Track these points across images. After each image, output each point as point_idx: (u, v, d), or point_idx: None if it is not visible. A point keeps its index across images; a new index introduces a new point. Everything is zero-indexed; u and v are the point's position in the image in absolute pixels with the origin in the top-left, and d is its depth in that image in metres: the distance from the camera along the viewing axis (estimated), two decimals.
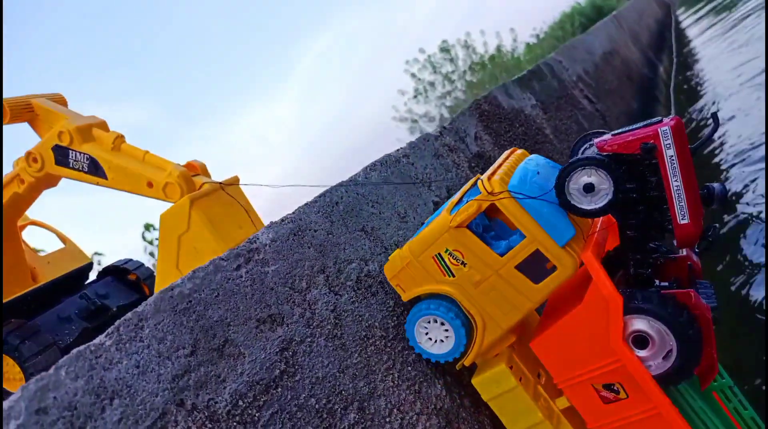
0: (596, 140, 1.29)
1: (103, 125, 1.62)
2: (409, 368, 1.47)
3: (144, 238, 9.04)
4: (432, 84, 14.24)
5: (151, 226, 9.18)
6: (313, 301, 1.40)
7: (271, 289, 1.33)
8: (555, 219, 1.27)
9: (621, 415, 1.32)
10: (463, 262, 1.34)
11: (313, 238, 1.50)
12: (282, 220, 1.47)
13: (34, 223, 2.10)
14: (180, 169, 1.49)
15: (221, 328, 1.20)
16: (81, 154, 1.55)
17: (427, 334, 1.43)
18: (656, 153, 1.20)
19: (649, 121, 1.26)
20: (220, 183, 1.55)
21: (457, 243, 1.34)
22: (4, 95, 1.57)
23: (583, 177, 1.24)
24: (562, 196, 1.27)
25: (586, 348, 1.30)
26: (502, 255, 1.32)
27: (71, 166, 1.56)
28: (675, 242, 1.27)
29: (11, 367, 1.57)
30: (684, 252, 1.42)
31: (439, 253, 1.36)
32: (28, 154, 1.60)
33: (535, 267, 1.31)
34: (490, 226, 1.49)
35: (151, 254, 8.99)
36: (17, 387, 1.44)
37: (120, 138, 1.55)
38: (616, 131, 1.29)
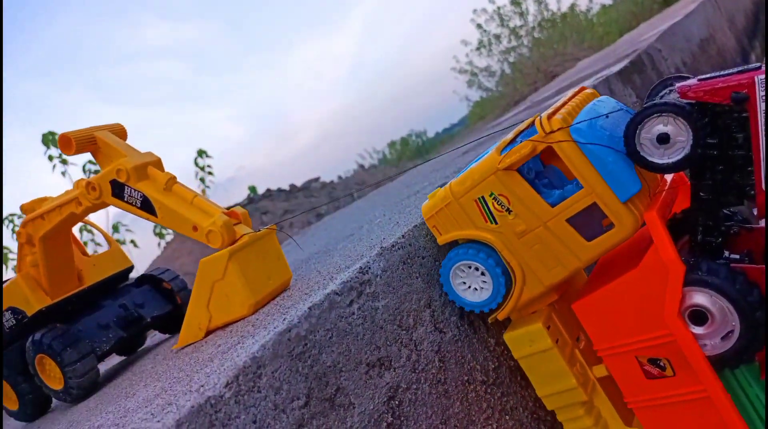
0: (679, 85, 1.12)
1: (158, 164, 1.73)
2: (507, 417, 1.42)
3: (196, 163, 9.09)
4: (497, 37, 13.76)
5: (204, 152, 9.22)
6: (419, 341, 1.34)
7: (381, 327, 1.28)
8: (620, 170, 1.12)
9: (664, 393, 1.21)
10: (508, 209, 1.21)
11: (421, 267, 1.43)
12: (393, 245, 1.38)
13: (86, 222, 2.21)
14: (224, 219, 1.59)
15: (333, 375, 1.15)
16: (136, 191, 1.67)
17: (464, 281, 1.32)
18: (748, 104, 1.03)
19: (744, 66, 1.09)
20: (263, 229, 1.69)
21: (504, 187, 1.21)
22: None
23: (659, 125, 1.08)
24: (631, 145, 1.12)
25: (636, 317, 1.19)
26: (553, 205, 1.18)
27: (126, 200, 1.68)
28: (754, 211, 1.12)
29: (53, 367, 1.73)
30: (763, 223, 1.24)
31: (483, 197, 1.23)
32: (88, 183, 1.70)
33: (590, 222, 1.18)
34: (543, 172, 1.35)
35: (202, 180, 9.07)
36: (59, 385, 1.72)
37: (172, 179, 1.66)
38: (703, 76, 1.12)
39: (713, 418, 1.15)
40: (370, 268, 1.31)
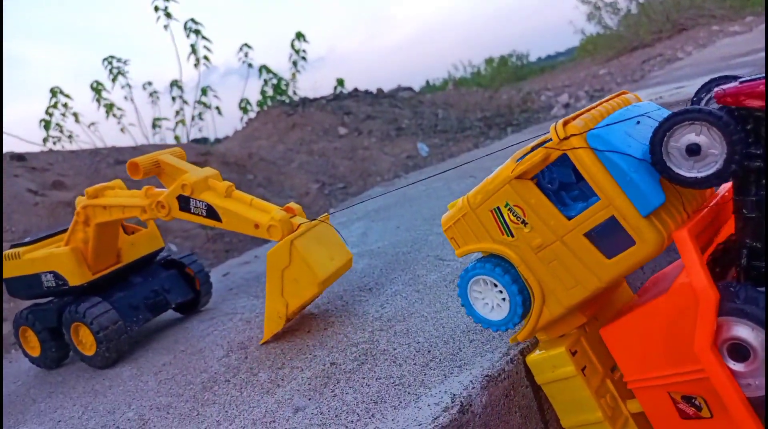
0: (716, 89, 0.98)
1: (217, 176, 1.93)
2: None
3: (293, 46, 9.04)
4: None
5: (302, 36, 9.14)
6: None
7: None
8: (641, 181, 1.01)
9: None
10: (524, 221, 1.14)
11: (522, 398, 1.34)
12: (499, 374, 1.30)
13: None
14: (281, 214, 1.76)
15: None
16: (200, 202, 1.84)
17: (482, 297, 1.25)
18: None
19: None
20: (317, 219, 1.84)
21: (519, 197, 1.14)
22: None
23: (689, 134, 0.97)
24: (657, 154, 1.00)
25: (667, 348, 1.09)
26: (571, 218, 1.09)
27: (192, 211, 1.87)
28: None
29: (87, 335, 1.98)
30: None
31: (498, 208, 1.17)
32: (158, 202, 1.89)
33: (610, 238, 1.08)
34: (574, 184, 1.24)
35: (294, 63, 9.04)
36: (90, 351, 1.99)
37: (231, 187, 1.86)
38: (747, 77, 0.98)
39: None
40: (471, 405, 1.22)
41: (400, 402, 1.26)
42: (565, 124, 1.05)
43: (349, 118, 8.25)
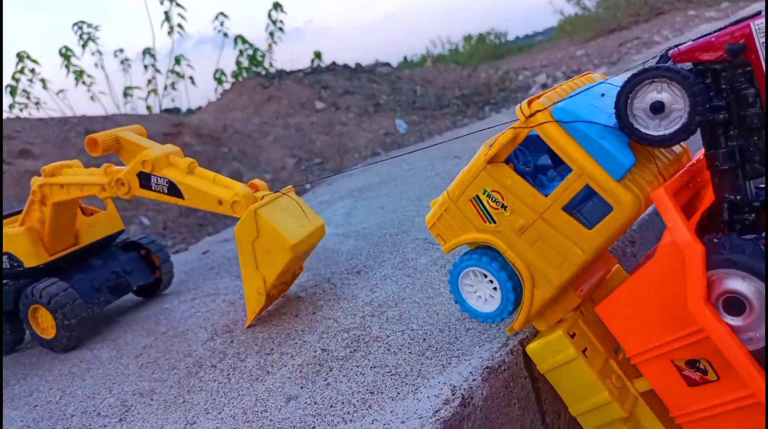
0: (670, 50, 1.03)
1: (178, 152, 1.89)
2: None
3: (270, 16, 8.84)
4: None
5: (280, 6, 8.94)
6: None
7: None
8: (610, 145, 1.02)
9: (710, 402, 1.08)
10: (503, 205, 1.15)
11: (521, 390, 1.31)
12: (500, 366, 1.26)
13: None
14: (245, 190, 1.72)
15: None
16: (161, 178, 1.78)
17: (474, 290, 1.26)
18: (748, 55, 0.94)
19: (740, 17, 0.99)
20: (280, 191, 1.80)
21: (495, 182, 1.15)
22: None
23: (651, 93, 0.99)
24: (623, 117, 1.02)
25: (663, 314, 1.07)
26: (548, 196, 1.10)
27: (153, 188, 1.80)
28: None
29: (47, 318, 1.92)
30: None
31: (477, 196, 1.18)
32: (118, 179, 1.83)
33: (587, 208, 1.12)
34: (551, 168, 1.28)
35: (271, 34, 8.85)
36: (50, 334, 1.91)
37: (193, 163, 1.80)
38: (698, 36, 1.01)
39: None
40: (472, 397, 1.18)
41: (398, 393, 1.23)
42: (530, 102, 1.06)
43: (327, 92, 8.13)
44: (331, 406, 1.26)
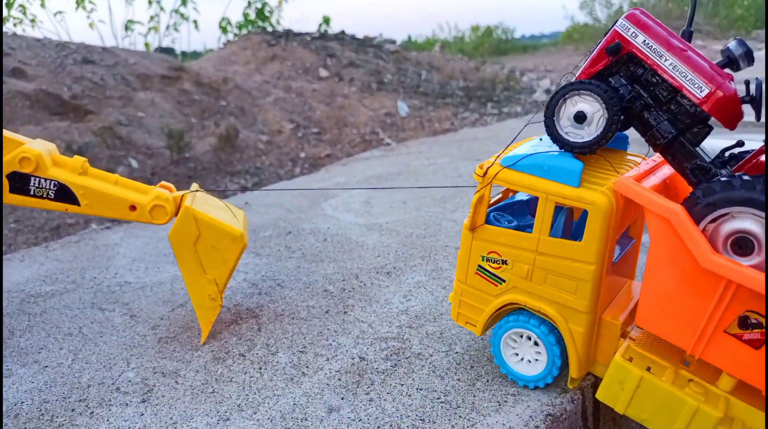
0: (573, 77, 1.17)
1: (56, 151, 1.57)
2: None
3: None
4: None
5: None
6: None
7: None
8: (557, 163, 1.12)
9: None
10: (503, 261, 1.22)
11: None
12: (561, 413, 1.20)
13: None
14: (164, 192, 1.54)
15: None
16: (47, 180, 1.50)
17: (516, 352, 1.29)
18: (627, 48, 1.11)
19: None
20: (194, 191, 1.63)
21: (487, 244, 1.23)
22: None
23: (570, 108, 1.12)
24: (558, 137, 1.14)
25: (689, 291, 1.04)
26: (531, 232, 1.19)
27: (32, 193, 1.50)
28: (724, 127, 1.08)
29: None
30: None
31: (479, 265, 1.26)
32: None
33: (567, 224, 1.19)
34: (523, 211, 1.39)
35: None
36: None
37: (85, 163, 1.54)
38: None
39: None
40: None
41: (452, 426, 1.19)
42: (481, 167, 1.20)
43: (332, 61, 7.97)
44: (378, 427, 1.21)
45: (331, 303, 1.75)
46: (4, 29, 6.57)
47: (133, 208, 1.52)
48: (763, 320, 0.98)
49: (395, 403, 1.28)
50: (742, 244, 0.97)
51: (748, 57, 1.07)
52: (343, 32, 8.77)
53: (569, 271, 1.15)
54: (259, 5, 8.58)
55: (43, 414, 1.34)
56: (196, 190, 1.63)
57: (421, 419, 1.22)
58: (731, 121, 1.07)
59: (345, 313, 1.69)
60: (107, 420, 1.30)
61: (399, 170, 3.18)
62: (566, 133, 1.13)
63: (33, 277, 2.08)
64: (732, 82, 1.06)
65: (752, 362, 1.01)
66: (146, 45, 7.80)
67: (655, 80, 1.11)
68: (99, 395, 1.39)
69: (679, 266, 1.03)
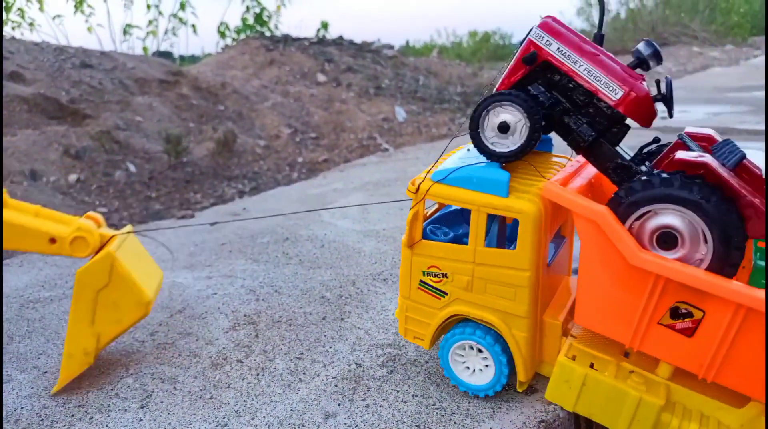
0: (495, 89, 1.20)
1: None
2: None
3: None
4: None
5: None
6: None
7: None
8: (484, 175, 1.16)
9: (716, 339, 1.04)
10: (443, 275, 1.24)
11: None
12: (554, 420, 1.23)
13: None
14: (88, 223, 1.44)
15: None
16: None
17: (466, 365, 1.31)
18: (542, 56, 1.14)
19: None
20: (130, 232, 1.52)
21: (426, 258, 1.25)
22: None
23: (493, 119, 1.15)
24: (484, 148, 1.17)
25: (621, 287, 1.09)
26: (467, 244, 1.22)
27: None
28: (640, 125, 1.14)
29: None
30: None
31: (421, 280, 1.28)
32: None
33: (501, 232, 1.24)
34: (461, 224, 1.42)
35: None
36: None
37: (5, 194, 1.45)
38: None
39: None
40: None
41: None
42: (413, 184, 1.22)
43: (330, 66, 8.00)
44: None
45: (328, 309, 1.77)
46: (3, 33, 6.58)
47: (52, 240, 1.41)
48: (692, 309, 1.03)
49: (391, 409, 1.29)
50: (666, 239, 1.02)
51: (657, 56, 1.13)
52: (341, 37, 8.81)
53: (506, 278, 1.18)
54: (257, 10, 8.61)
55: (42, 419, 1.35)
56: (129, 232, 1.52)
57: (416, 425, 1.23)
58: (646, 119, 1.12)
59: (342, 319, 1.70)
60: (106, 425, 1.32)
61: (396, 176, 3.20)
62: (492, 143, 1.16)
63: (32, 282, 2.09)
64: (644, 82, 1.11)
65: (687, 350, 1.07)
66: (144, 49, 7.82)
67: (571, 86, 1.15)
68: (98, 401, 1.41)
69: (610, 265, 1.08)
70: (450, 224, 1.41)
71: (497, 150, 1.16)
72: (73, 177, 4.63)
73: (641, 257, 1.01)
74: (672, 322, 1.06)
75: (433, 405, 1.30)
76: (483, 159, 1.20)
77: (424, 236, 1.26)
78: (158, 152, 5.27)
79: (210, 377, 1.47)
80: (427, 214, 1.34)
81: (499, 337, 1.24)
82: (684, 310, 1.05)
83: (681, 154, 1.02)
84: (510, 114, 1.13)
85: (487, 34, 13.20)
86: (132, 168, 5.07)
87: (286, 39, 8.22)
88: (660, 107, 1.14)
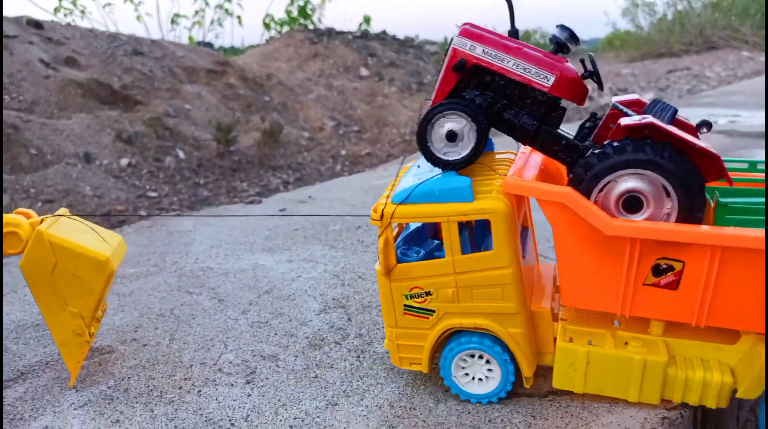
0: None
1: None
2: None
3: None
4: None
5: None
6: None
7: None
8: (445, 185, 1.16)
9: (699, 288, 1.08)
10: (427, 293, 1.23)
11: None
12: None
13: None
14: (16, 217, 1.34)
15: None
16: None
17: (466, 373, 1.28)
18: (470, 62, 1.17)
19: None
20: (63, 215, 1.42)
21: (406, 282, 1.23)
22: None
23: (439, 131, 1.17)
24: (436, 160, 1.18)
25: (602, 260, 1.12)
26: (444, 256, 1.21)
27: None
28: (576, 104, 1.18)
29: None
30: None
31: (406, 305, 1.25)
32: None
33: (476, 238, 1.26)
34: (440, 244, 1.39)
35: None
36: None
37: None
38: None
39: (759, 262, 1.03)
40: None
41: (566, 425, 1.20)
42: (375, 211, 1.20)
43: (373, 60, 8.00)
44: (489, 420, 1.22)
45: None
46: (56, 19, 6.70)
47: None
48: (672, 263, 1.08)
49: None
50: (632, 203, 1.07)
51: (573, 38, 1.18)
52: (384, 32, 8.80)
53: (490, 280, 1.18)
54: (301, 3, 8.64)
55: (151, 390, 1.37)
56: (62, 215, 1.42)
57: (532, 416, 1.22)
58: (580, 97, 1.17)
59: None
60: (216, 399, 1.33)
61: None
62: (444, 154, 1.17)
63: None
64: (568, 64, 1.15)
65: (675, 302, 1.11)
66: (190, 39, 7.89)
67: (503, 82, 1.18)
68: (203, 375, 1.42)
69: (585, 242, 1.11)
70: (417, 241, 1.38)
71: (451, 159, 1.17)
72: (124, 161, 4.69)
73: (614, 225, 1.05)
74: (656, 280, 1.10)
75: (545, 398, 1.29)
76: (438, 171, 1.20)
77: (398, 260, 1.23)
78: (206, 140, 5.32)
79: (311, 357, 1.48)
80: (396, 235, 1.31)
81: (497, 339, 1.24)
82: (665, 266, 1.09)
83: (624, 121, 1.06)
84: (454, 122, 1.15)
85: (528, 33, 13.10)
86: (181, 154, 5.12)
87: (330, 32, 8.23)
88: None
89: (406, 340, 1.28)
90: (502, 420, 1.21)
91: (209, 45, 8.60)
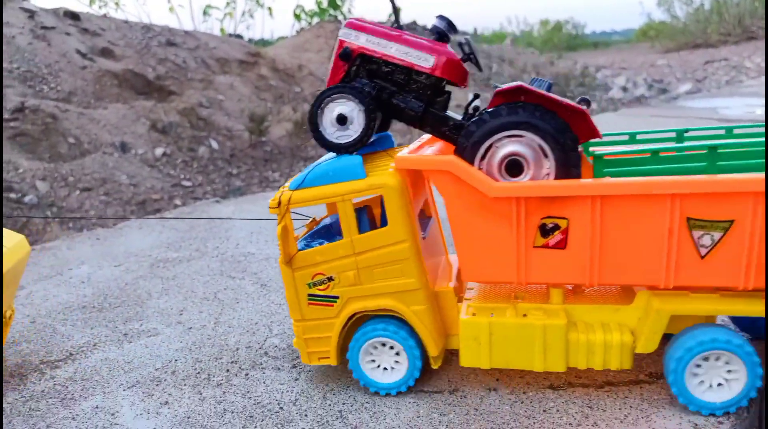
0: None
1: None
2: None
3: None
4: None
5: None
6: None
7: None
8: (339, 164, 1.18)
9: (587, 244, 1.10)
10: (329, 278, 1.22)
11: None
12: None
13: None
14: None
15: None
16: None
17: (373, 359, 1.26)
18: (356, 51, 1.21)
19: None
20: None
21: (307, 270, 1.22)
22: None
23: (329, 115, 1.19)
24: (326, 142, 1.21)
25: (491, 226, 1.14)
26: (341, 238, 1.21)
27: None
28: (458, 86, 1.24)
29: None
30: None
31: (309, 295, 1.24)
32: None
33: (371, 215, 1.28)
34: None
35: None
36: None
37: None
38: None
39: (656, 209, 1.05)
40: None
41: (625, 417, 1.16)
42: (274, 200, 1.20)
43: None
44: (544, 411, 1.19)
45: None
46: (90, 11, 6.78)
47: None
48: (557, 221, 1.10)
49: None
50: (514, 165, 1.10)
51: (452, 27, 1.22)
52: (414, 23, 8.74)
53: (389, 257, 1.18)
54: None
55: (199, 372, 1.36)
56: None
57: (589, 407, 1.19)
58: (461, 78, 1.22)
59: None
60: (263, 382, 1.32)
61: None
62: (336, 137, 1.20)
63: (156, 243, 2.13)
64: (448, 48, 1.20)
65: (567, 263, 1.12)
66: (221, 30, 7.94)
67: (389, 69, 1.22)
68: (249, 358, 1.41)
69: (473, 208, 1.13)
70: (324, 238, 1.36)
71: (343, 142, 1.20)
72: (159, 150, 4.72)
73: (496, 186, 1.08)
74: (545, 241, 1.12)
75: (601, 388, 1.25)
76: (333, 155, 1.23)
77: (300, 250, 1.22)
78: (239, 130, 5.34)
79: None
80: (297, 237, 1.29)
81: (402, 324, 1.22)
82: (551, 225, 1.11)
83: (498, 88, 1.10)
84: (343, 105, 1.18)
85: (559, 24, 12.93)
86: (215, 144, 5.14)
87: None
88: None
89: (313, 332, 1.27)
90: (557, 410, 1.18)
91: (240, 37, 8.65)
